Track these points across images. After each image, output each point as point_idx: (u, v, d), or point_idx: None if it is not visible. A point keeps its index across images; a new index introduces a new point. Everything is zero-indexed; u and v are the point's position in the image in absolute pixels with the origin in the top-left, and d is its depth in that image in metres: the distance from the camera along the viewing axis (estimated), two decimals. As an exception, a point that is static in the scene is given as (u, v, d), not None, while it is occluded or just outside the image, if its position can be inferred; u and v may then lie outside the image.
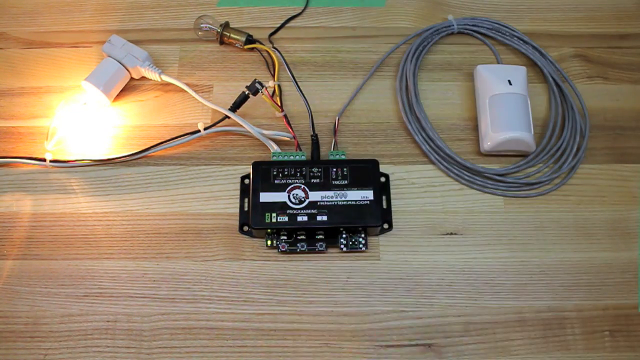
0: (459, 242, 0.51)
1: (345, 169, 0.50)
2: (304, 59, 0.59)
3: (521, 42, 0.60)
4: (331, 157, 0.52)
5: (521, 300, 0.48)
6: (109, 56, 0.56)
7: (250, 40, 0.58)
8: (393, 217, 0.51)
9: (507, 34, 0.60)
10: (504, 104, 0.53)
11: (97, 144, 0.55)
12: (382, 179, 0.52)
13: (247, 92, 0.53)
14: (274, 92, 0.55)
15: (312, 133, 0.54)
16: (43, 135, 0.54)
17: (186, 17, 0.61)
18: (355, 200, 0.49)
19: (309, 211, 0.48)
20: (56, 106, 0.55)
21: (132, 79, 0.58)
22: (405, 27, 0.61)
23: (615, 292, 0.49)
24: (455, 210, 0.52)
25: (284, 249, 0.49)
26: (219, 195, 0.52)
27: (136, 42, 0.57)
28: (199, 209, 0.52)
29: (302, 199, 0.49)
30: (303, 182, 0.50)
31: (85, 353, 0.46)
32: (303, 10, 0.62)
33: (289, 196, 0.49)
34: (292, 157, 0.52)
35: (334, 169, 0.50)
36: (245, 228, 0.51)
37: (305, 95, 0.55)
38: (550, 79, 0.57)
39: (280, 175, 0.50)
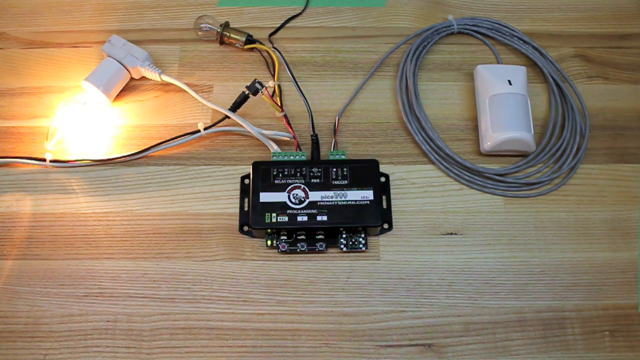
0: (458, 242, 0.51)
1: (345, 169, 0.50)
2: (304, 59, 0.59)
3: (521, 42, 0.60)
4: (331, 157, 0.52)
5: (521, 300, 0.48)
6: (109, 56, 0.56)
7: (250, 40, 0.58)
8: (393, 217, 0.51)
9: (507, 34, 0.60)
10: (504, 104, 0.53)
11: (97, 144, 0.55)
12: (382, 179, 0.52)
13: (247, 92, 0.53)
14: (274, 92, 0.55)
15: (312, 133, 0.54)
16: (43, 135, 0.54)
17: (186, 17, 0.61)
18: (355, 200, 0.49)
19: (309, 211, 0.48)
20: (56, 106, 0.55)
21: (132, 79, 0.58)
22: (405, 27, 0.61)
23: (615, 292, 0.49)
24: (455, 210, 0.52)
25: (284, 249, 0.49)
26: (219, 195, 0.52)
27: (136, 42, 0.57)
28: (199, 209, 0.52)
29: (302, 199, 0.49)
30: (303, 182, 0.50)
31: (85, 353, 0.46)
32: (303, 10, 0.62)
33: (289, 196, 0.49)
34: (292, 157, 0.52)
35: (334, 169, 0.50)
36: (245, 228, 0.51)
37: (305, 95, 0.55)
38: (550, 79, 0.57)
39: (280, 175, 0.50)
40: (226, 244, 0.50)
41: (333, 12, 0.62)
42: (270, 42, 0.60)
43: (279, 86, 0.56)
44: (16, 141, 0.55)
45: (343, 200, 0.49)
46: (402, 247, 0.50)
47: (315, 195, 0.49)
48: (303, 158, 0.52)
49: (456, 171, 0.53)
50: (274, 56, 0.58)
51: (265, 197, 0.49)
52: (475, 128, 0.56)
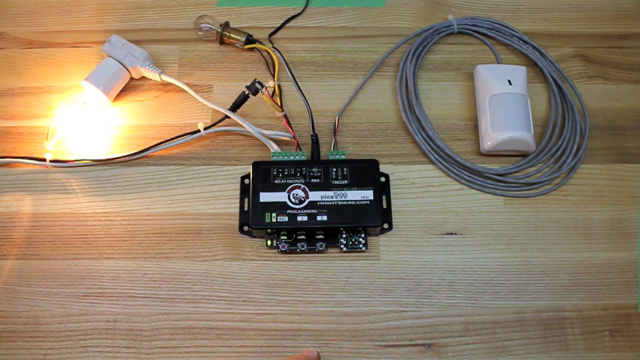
0: (458, 242, 0.51)
1: (345, 169, 0.50)
2: (304, 59, 0.59)
3: (521, 42, 0.60)
4: (331, 157, 0.52)
5: (521, 300, 0.48)
6: (109, 56, 0.56)
7: (250, 40, 0.58)
8: (393, 217, 0.51)
9: (507, 34, 0.60)
10: (504, 104, 0.53)
11: (97, 144, 0.55)
12: (382, 179, 0.52)
13: (247, 92, 0.53)
14: (274, 92, 0.55)
15: (312, 133, 0.54)
16: (43, 135, 0.54)
17: (186, 17, 0.61)
18: (355, 200, 0.49)
19: (308, 211, 0.48)
20: (56, 106, 0.55)
21: (132, 79, 0.58)
22: (405, 27, 0.61)
23: (615, 292, 0.49)
24: (455, 210, 0.52)
25: (284, 249, 0.49)
26: (219, 195, 0.52)
27: (136, 42, 0.57)
28: (199, 209, 0.52)
29: (302, 199, 0.49)
30: (303, 182, 0.50)
31: (85, 353, 0.46)
32: (303, 10, 0.62)
33: (288, 196, 0.49)
34: (292, 157, 0.52)
35: (334, 169, 0.50)
36: (245, 228, 0.51)
37: (305, 95, 0.55)
38: (550, 79, 0.57)
39: (280, 175, 0.50)
40: (226, 244, 0.50)
41: (333, 12, 0.62)
42: (270, 42, 0.60)
43: (279, 86, 0.56)
44: (16, 141, 0.55)
45: (343, 200, 0.49)
46: (402, 247, 0.50)
47: (315, 195, 0.49)
48: (303, 158, 0.52)
49: (456, 171, 0.53)
50: (274, 56, 0.58)
51: (265, 197, 0.49)
52: (475, 128, 0.56)
